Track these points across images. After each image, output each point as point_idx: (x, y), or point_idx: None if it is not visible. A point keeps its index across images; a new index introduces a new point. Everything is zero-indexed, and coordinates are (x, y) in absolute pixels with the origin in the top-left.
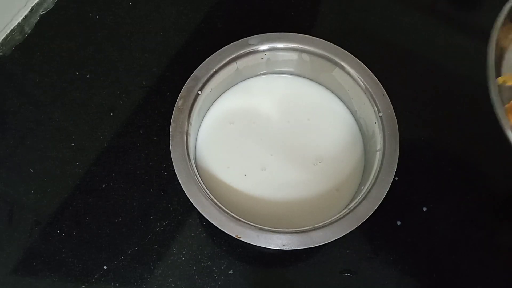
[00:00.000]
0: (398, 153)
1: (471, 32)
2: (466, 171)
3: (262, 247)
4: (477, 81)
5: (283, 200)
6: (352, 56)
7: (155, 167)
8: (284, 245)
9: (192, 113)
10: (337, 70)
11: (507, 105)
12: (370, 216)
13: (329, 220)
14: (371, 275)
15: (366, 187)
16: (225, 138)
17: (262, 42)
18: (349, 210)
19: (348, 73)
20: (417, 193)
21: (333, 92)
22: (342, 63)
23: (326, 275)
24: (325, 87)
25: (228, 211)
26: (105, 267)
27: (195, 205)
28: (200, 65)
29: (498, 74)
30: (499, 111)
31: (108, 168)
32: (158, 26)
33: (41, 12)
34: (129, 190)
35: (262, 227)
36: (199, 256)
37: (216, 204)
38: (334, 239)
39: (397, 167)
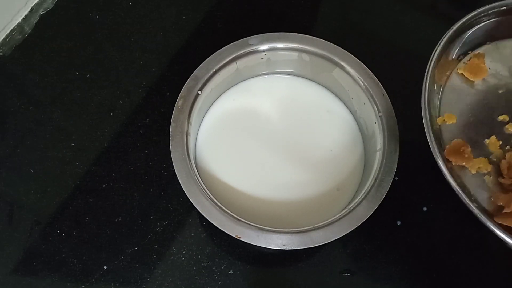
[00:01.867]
0: (398, 153)
1: None
2: None
3: (262, 247)
4: None
5: (283, 200)
6: (352, 56)
7: (155, 167)
8: (284, 245)
9: (192, 113)
10: (337, 70)
11: (448, 146)
12: (370, 216)
13: (329, 220)
14: (371, 275)
15: (366, 187)
16: (225, 138)
17: (262, 42)
18: (349, 210)
19: (348, 73)
20: (417, 193)
21: (333, 92)
22: (342, 63)
23: (326, 275)
24: (325, 87)
25: (228, 211)
26: (105, 267)
27: (195, 205)
28: (200, 65)
29: (438, 113)
30: (437, 156)
31: (108, 168)
32: (158, 26)
33: (41, 12)
34: (129, 190)
35: (262, 227)
36: (199, 256)
37: (216, 204)
38: (334, 239)
39: (397, 167)
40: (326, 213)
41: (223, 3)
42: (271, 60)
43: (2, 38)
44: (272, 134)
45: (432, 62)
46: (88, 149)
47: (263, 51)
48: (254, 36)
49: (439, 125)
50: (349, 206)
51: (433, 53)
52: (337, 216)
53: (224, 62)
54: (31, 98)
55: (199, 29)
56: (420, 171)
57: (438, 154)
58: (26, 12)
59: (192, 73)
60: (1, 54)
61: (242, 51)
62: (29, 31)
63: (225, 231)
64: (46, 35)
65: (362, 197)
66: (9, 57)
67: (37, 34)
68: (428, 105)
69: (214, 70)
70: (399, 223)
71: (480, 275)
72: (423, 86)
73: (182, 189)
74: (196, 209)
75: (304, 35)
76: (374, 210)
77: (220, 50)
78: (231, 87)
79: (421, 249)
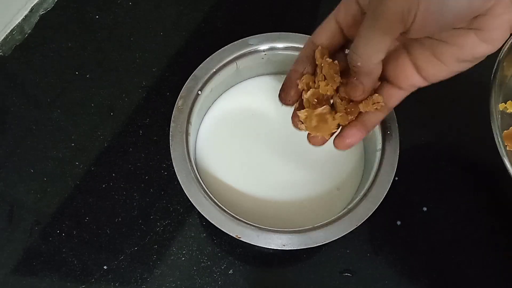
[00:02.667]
0: (398, 153)
1: None
2: (466, 171)
3: (262, 247)
4: (477, 81)
5: (283, 200)
6: None
7: (155, 167)
8: (284, 245)
9: (192, 113)
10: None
11: (506, 132)
12: (370, 216)
13: (329, 220)
14: (371, 275)
15: (366, 187)
16: (225, 138)
17: (262, 42)
18: (349, 210)
19: None
20: (417, 193)
21: None
22: None
23: (326, 275)
24: None
25: (228, 211)
26: (105, 267)
27: (195, 205)
28: (200, 65)
29: (498, 99)
30: (498, 138)
31: (108, 168)
32: (158, 26)
33: (41, 12)
34: (129, 190)
35: (262, 227)
36: (199, 256)
37: (216, 204)
38: (334, 239)
39: (397, 167)
40: (326, 213)
41: (223, 3)
42: (271, 60)
43: (2, 38)
44: (272, 134)
45: (503, 53)
46: (88, 149)
47: (263, 51)
48: (254, 36)
49: (500, 111)
50: (349, 206)
51: (504, 44)
52: (337, 216)
53: (224, 62)
54: (31, 98)
55: (199, 29)
56: (420, 171)
57: (498, 136)
58: (26, 12)
59: (192, 73)
60: (1, 54)
61: (242, 51)
62: (29, 31)
63: (225, 231)
64: (46, 35)
65: (362, 197)
66: (9, 57)
67: (37, 34)
68: (495, 91)
69: (214, 70)
70: (399, 223)
71: (480, 275)
72: (493, 74)
73: (182, 189)
74: (196, 209)
75: (304, 35)
76: (374, 210)
77: (220, 50)
78: (231, 87)
79: (421, 249)
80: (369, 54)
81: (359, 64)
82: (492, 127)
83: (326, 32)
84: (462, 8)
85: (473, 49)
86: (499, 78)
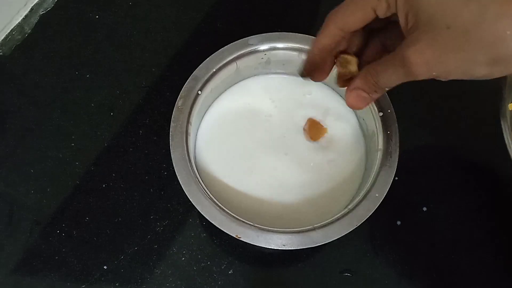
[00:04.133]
0: (398, 153)
1: None
2: (466, 171)
3: (262, 247)
4: (477, 80)
5: (283, 200)
6: None
7: (155, 167)
8: (284, 245)
9: (192, 113)
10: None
11: None
12: (370, 216)
13: (329, 220)
14: (371, 275)
15: (366, 187)
16: (225, 138)
17: (262, 42)
18: (349, 210)
19: None
20: (417, 193)
21: (333, 92)
22: None
23: (326, 275)
24: (325, 86)
25: (228, 211)
26: (105, 267)
27: (195, 205)
28: (200, 65)
29: (508, 99)
30: (508, 138)
31: (108, 168)
32: (158, 26)
33: (41, 12)
34: (129, 190)
35: (262, 227)
36: (199, 256)
37: (216, 204)
38: (334, 239)
39: (397, 167)
40: (326, 213)
41: (223, 3)
42: (271, 60)
43: (2, 38)
44: (272, 134)
45: None
46: (88, 149)
47: (263, 51)
48: (254, 36)
49: (510, 110)
50: (349, 206)
51: None
52: (337, 216)
53: (224, 62)
54: (31, 98)
55: (199, 29)
56: (420, 171)
57: (508, 135)
58: (26, 12)
59: (192, 73)
60: (1, 54)
61: (242, 51)
62: (29, 31)
63: (225, 231)
64: (46, 35)
65: (362, 197)
66: (9, 57)
67: (37, 34)
68: (506, 91)
69: (214, 70)
70: (399, 223)
71: (480, 275)
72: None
73: (182, 189)
74: (196, 209)
75: (304, 35)
76: (374, 210)
77: (220, 50)
78: (231, 87)
79: (421, 249)
80: (391, 85)
81: (386, 89)
82: (502, 127)
83: (355, 16)
84: (486, 75)
85: None
86: (510, 77)
